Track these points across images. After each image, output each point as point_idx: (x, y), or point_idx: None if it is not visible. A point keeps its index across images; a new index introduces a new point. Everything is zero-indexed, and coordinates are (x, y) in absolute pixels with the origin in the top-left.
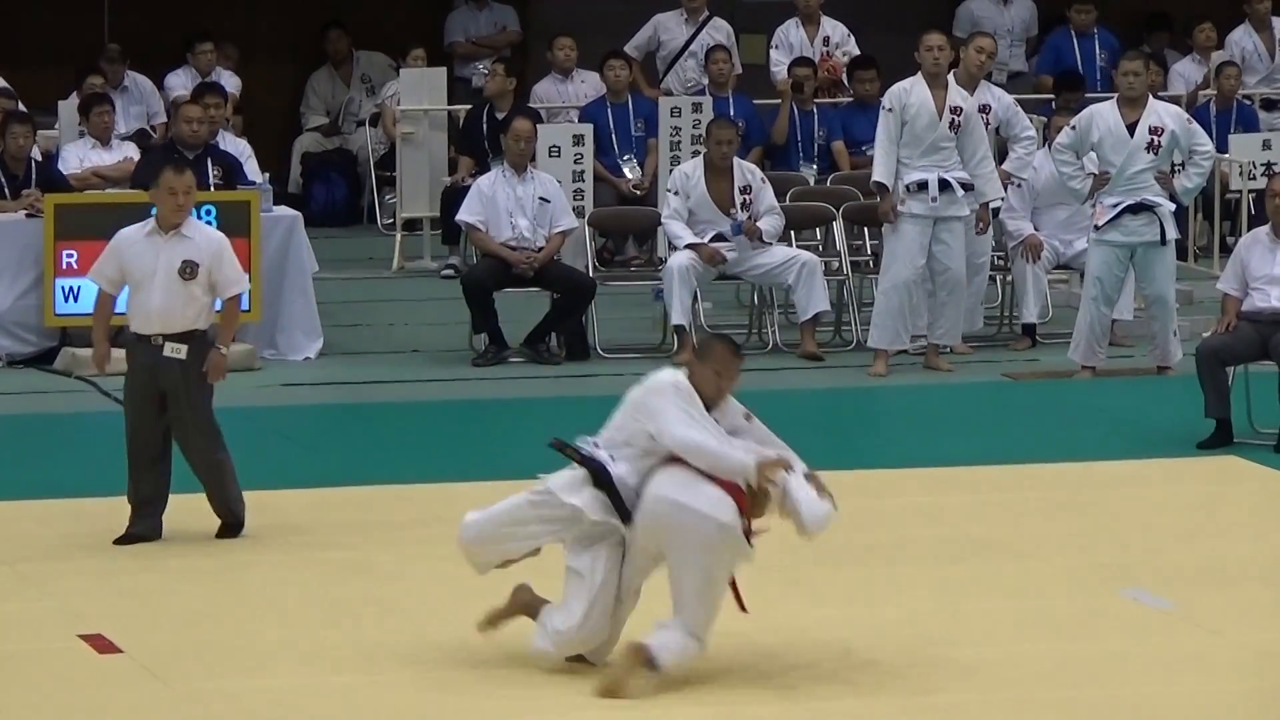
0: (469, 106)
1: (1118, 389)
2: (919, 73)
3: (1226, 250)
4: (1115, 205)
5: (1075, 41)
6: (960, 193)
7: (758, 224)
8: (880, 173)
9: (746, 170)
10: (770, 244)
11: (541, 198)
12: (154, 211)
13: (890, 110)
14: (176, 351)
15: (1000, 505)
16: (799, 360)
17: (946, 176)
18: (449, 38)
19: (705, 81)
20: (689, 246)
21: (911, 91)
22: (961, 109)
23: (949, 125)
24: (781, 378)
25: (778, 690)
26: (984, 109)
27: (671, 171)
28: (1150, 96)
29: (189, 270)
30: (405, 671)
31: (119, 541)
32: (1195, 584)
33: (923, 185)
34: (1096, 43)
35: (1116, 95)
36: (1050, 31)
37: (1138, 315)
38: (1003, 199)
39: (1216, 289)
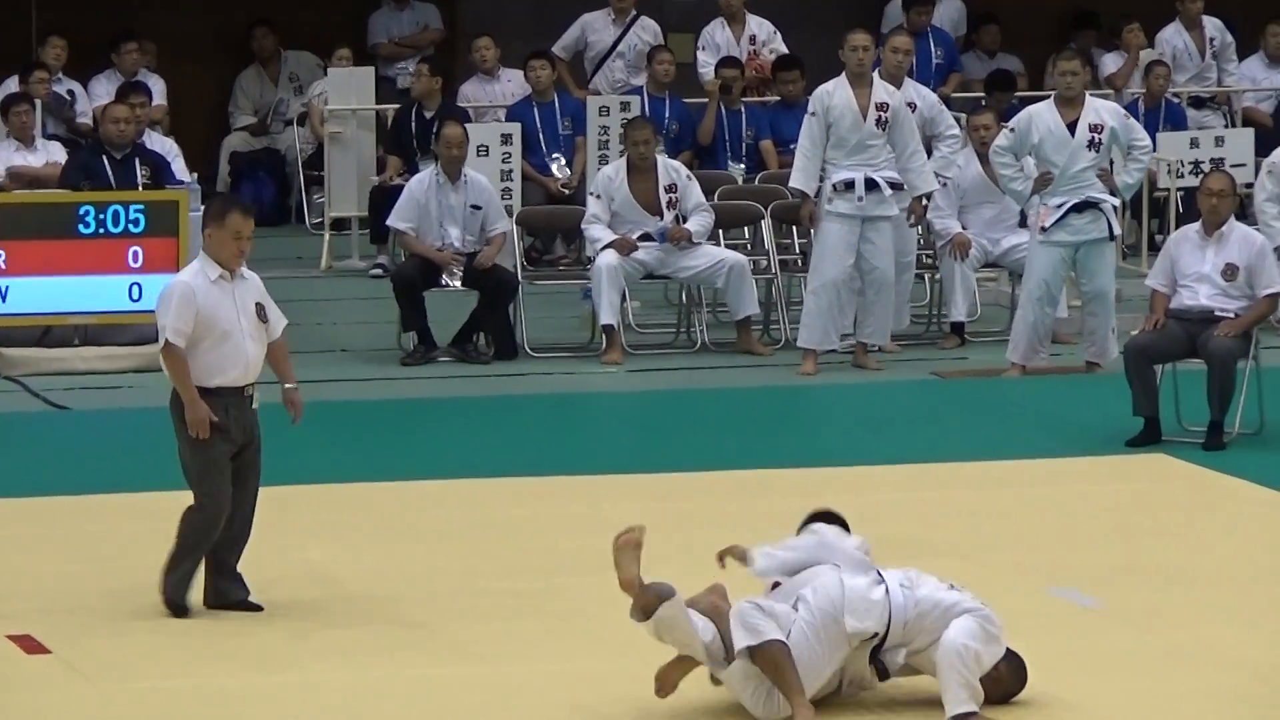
0: (397, 106)
1: (1046, 387)
2: (843, 73)
3: (1155, 248)
4: (1060, 205)
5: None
6: (888, 192)
7: (685, 224)
8: (799, 178)
9: (671, 169)
10: (700, 243)
11: (473, 205)
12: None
13: (814, 114)
14: (255, 399)
15: (929, 504)
16: (727, 359)
17: (874, 176)
18: (372, 38)
19: (633, 81)
20: (607, 246)
21: (835, 93)
22: (888, 105)
23: (875, 123)
24: (710, 377)
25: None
26: (909, 107)
27: (599, 171)
28: (1086, 94)
29: (262, 313)
30: (339, 673)
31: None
32: (1123, 582)
33: (850, 185)
34: (931, 41)
35: (1054, 95)
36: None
37: (1072, 311)
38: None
39: (1145, 285)
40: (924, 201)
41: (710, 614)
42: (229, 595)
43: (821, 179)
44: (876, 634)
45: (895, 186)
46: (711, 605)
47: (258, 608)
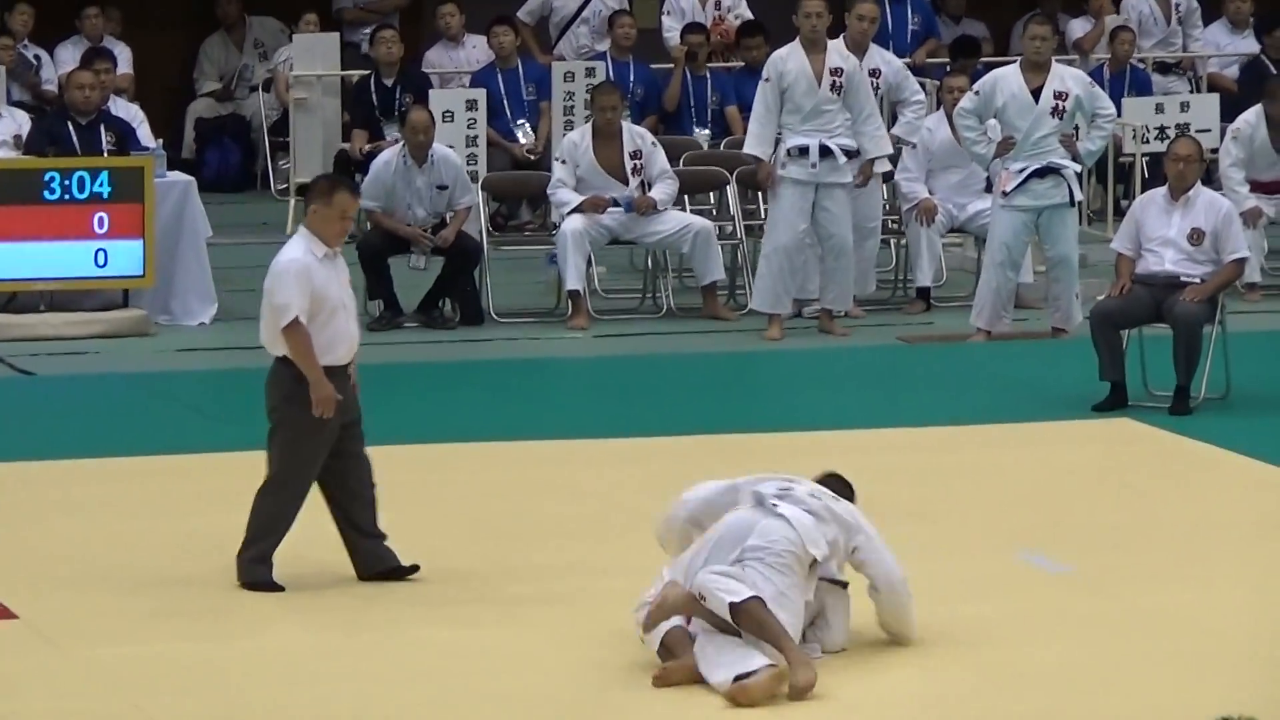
0: (364, 72)
1: (1012, 352)
2: (798, 38)
3: (1120, 214)
4: (1021, 170)
5: (887, 4)
6: (842, 159)
7: (650, 192)
8: (752, 144)
9: (636, 135)
10: (664, 210)
11: (439, 186)
12: (303, 227)
13: (768, 80)
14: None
15: (894, 468)
16: (693, 324)
17: (828, 143)
18: (337, 3)
19: (598, 47)
20: (575, 210)
21: (789, 59)
22: (843, 70)
23: (830, 88)
24: (676, 342)
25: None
26: (874, 73)
27: (564, 137)
28: (1053, 61)
29: (351, 289)
30: (318, 639)
31: (257, 588)
32: (1090, 546)
33: (803, 150)
34: (909, 7)
35: (1020, 59)
36: None
37: (1038, 277)
38: (889, 156)
39: (1110, 249)
40: (873, 166)
41: (687, 607)
42: (386, 560)
43: (777, 144)
44: (816, 558)
45: (850, 154)
46: (685, 596)
47: (413, 568)
